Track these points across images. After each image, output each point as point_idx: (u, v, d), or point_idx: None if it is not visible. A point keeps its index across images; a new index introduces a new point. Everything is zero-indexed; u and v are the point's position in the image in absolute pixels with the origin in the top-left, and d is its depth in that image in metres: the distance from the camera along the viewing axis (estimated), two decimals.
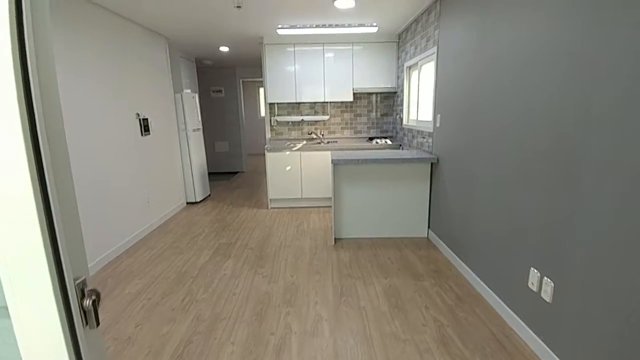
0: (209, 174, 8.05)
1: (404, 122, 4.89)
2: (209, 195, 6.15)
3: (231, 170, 8.33)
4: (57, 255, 0.54)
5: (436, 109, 3.55)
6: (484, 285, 2.61)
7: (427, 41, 3.81)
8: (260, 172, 8.20)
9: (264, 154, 4.97)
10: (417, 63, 4.26)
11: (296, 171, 5.04)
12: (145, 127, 4.23)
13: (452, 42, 3.12)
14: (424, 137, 4.00)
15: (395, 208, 3.82)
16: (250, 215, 4.89)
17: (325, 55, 5.15)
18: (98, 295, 0.63)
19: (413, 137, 4.44)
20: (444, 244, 3.43)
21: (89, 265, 3.18)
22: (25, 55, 0.56)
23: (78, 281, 0.59)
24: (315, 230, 4.21)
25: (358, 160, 3.55)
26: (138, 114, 4.11)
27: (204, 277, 3.07)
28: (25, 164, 0.54)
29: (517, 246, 2.20)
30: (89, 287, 0.62)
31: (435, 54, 3.51)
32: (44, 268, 0.52)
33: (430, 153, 3.74)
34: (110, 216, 3.53)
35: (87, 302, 0.61)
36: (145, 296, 2.81)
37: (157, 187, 4.53)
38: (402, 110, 4.97)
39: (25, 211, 0.53)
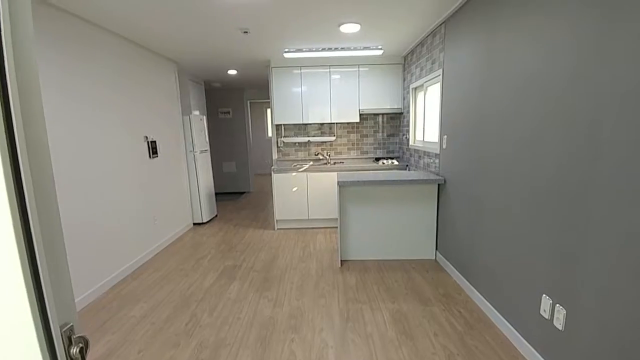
0: (216, 194, 8.09)
1: (410, 142, 4.88)
2: (216, 215, 6.15)
3: (238, 191, 8.36)
4: (42, 303, 0.52)
5: (442, 130, 3.54)
6: (495, 311, 2.54)
7: (432, 63, 3.83)
8: (267, 193, 8.22)
9: (271, 174, 5.01)
10: (422, 84, 4.28)
11: (303, 192, 5.03)
12: (153, 149, 4.28)
13: (458, 64, 3.14)
14: (430, 158, 3.98)
15: (402, 229, 3.77)
16: (256, 236, 4.87)
17: (332, 77, 5.21)
18: (86, 342, 0.61)
19: (420, 157, 4.42)
20: (452, 267, 3.36)
21: (94, 288, 3.17)
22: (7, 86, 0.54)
23: (65, 328, 0.58)
24: (322, 251, 4.16)
25: (364, 182, 3.54)
26: (146, 137, 4.17)
27: (208, 300, 3.04)
28: (5, 200, 0.51)
29: (528, 271, 2.14)
30: (77, 333, 0.60)
31: (441, 76, 3.53)
32: (28, 316, 0.51)
33: (437, 174, 3.71)
34: (117, 238, 3.54)
35: (75, 350, 0.59)
36: (150, 320, 2.78)
37: (164, 208, 4.55)
38: (408, 131, 4.97)
39: (6, 254, 0.51)
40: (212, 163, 8.08)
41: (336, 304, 2.91)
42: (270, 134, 11.15)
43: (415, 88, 4.66)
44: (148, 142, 4.20)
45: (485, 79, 2.62)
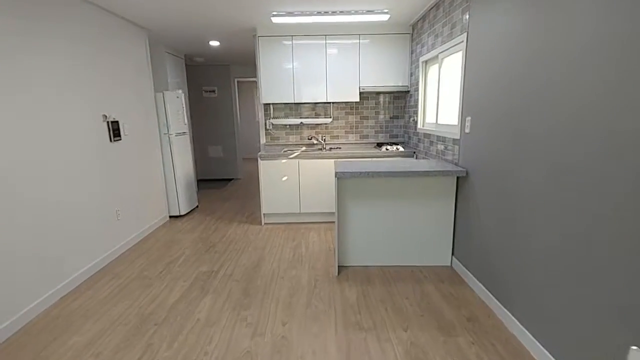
0: (201, 181, 7.41)
1: (419, 125, 4.22)
2: (197, 206, 5.48)
3: (225, 177, 7.67)
4: None
5: (464, 111, 2.89)
6: (546, 352, 1.92)
7: (451, 28, 3.14)
8: (256, 179, 7.53)
9: (257, 161, 4.34)
10: (437, 56, 3.58)
11: (294, 182, 4.37)
12: (115, 131, 3.57)
13: (489, 26, 2.45)
14: (445, 144, 3.33)
15: (411, 230, 3.14)
16: (240, 233, 4.22)
17: (328, 50, 4.49)
18: None
19: (431, 143, 3.77)
20: (474, 278, 2.75)
21: (37, 301, 2.54)
22: None
23: None
24: (315, 254, 3.53)
25: (367, 173, 2.88)
26: (106, 116, 3.46)
27: (171, 323, 2.40)
28: None
29: (604, 302, 1.52)
30: None
31: (464, 43, 2.85)
32: None
33: (456, 164, 3.07)
34: (68, 239, 2.88)
35: None
36: (94, 350, 2.15)
37: (130, 201, 3.86)
38: (416, 113, 4.31)
39: None
40: (196, 147, 7.40)
41: (333, 330, 2.28)
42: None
43: (427, 61, 3.97)
44: (108, 122, 3.49)
45: (528, 42, 1.95)
